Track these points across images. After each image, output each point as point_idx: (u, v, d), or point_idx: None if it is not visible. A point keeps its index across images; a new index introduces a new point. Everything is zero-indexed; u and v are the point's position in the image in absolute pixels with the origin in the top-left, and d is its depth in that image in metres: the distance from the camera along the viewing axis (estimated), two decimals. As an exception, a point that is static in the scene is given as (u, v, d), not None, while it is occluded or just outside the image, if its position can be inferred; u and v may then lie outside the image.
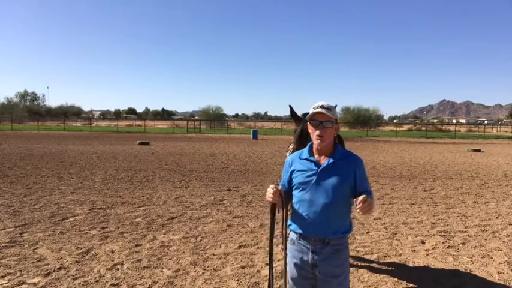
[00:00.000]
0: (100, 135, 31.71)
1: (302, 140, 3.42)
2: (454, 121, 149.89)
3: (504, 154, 19.99)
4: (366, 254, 4.72)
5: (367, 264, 4.39)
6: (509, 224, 6.17)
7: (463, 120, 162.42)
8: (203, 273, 4.03)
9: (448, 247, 5.01)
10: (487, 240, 5.35)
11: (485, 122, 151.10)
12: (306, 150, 2.32)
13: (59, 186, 8.65)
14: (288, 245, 2.32)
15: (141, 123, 58.07)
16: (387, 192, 8.72)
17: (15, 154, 15.22)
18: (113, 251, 4.59)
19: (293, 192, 2.27)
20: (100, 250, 4.61)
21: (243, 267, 4.20)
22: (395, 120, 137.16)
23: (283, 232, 2.28)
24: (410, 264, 4.43)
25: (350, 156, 2.26)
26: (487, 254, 4.75)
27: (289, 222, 2.33)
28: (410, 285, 3.87)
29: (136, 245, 4.82)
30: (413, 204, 7.57)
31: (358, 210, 1.96)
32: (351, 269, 4.05)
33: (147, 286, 3.69)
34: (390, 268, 4.30)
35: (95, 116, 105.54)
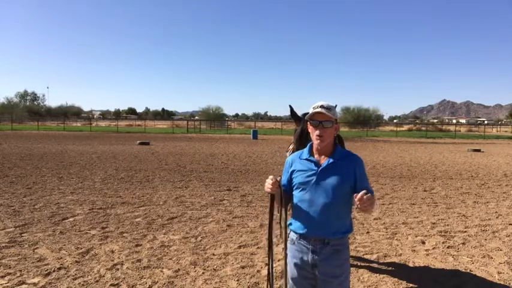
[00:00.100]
0: (100, 135, 31.71)
1: (302, 140, 3.42)
2: (454, 121, 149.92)
3: (504, 154, 19.99)
4: (366, 254, 4.72)
5: (367, 264, 4.39)
6: (509, 224, 6.17)
7: (463, 120, 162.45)
8: (203, 273, 4.03)
9: (448, 247, 5.01)
10: (487, 240, 5.35)
11: (485, 122, 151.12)
12: (306, 150, 2.31)
13: (59, 186, 8.66)
14: (288, 245, 2.32)
15: (141, 123, 58.07)
16: (387, 192, 8.72)
17: (15, 154, 15.22)
18: (113, 251, 4.59)
19: (293, 192, 2.27)
20: (100, 250, 4.61)
21: (243, 267, 4.20)
22: (395, 120, 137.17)
23: (283, 232, 2.28)
24: (410, 264, 4.43)
25: (350, 156, 2.26)
26: (487, 254, 4.76)
27: (289, 222, 2.33)
28: (410, 285, 3.87)
29: (136, 245, 4.82)
30: (413, 204, 7.57)
31: (358, 206, 1.94)
32: (351, 269, 4.05)
33: (147, 286, 3.69)
34: (390, 268, 4.30)
35: (95, 116, 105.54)
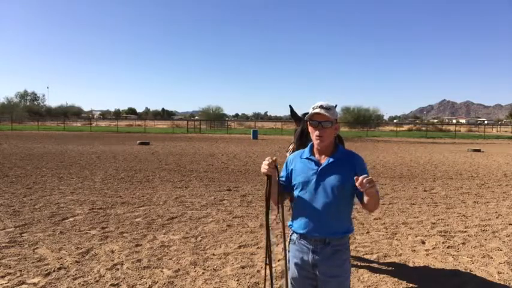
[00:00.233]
0: (100, 135, 31.71)
1: (302, 140, 3.42)
2: (454, 121, 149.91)
3: (504, 154, 19.99)
4: (366, 254, 4.72)
5: (367, 264, 4.39)
6: (509, 224, 6.17)
7: (463, 120, 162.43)
8: (203, 273, 4.03)
9: (448, 247, 5.01)
10: (487, 240, 5.35)
11: (485, 122, 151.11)
12: (307, 149, 2.31)
13: (59, 186, 8.66)
14: (289, 244, 2.32)
15: (141, 123, 58.06)
16: (387, 192, 8.72)
17: (15, 154, 15.22)
18: (113, 251, 4.59)
19: (294, 192, 2.27)
20: (100, 250, 4.61)
21: (243, 267, 4.20)
22: (395, 120, 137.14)
23: (283, 231, 2.28)
24: (410, 264, 4.43)
25: (351, 155, 2.25)
26: (487, 254, 4.75)
27: (289, 222, 2.33)
28: (410, 285, 3.87)
29: (136, 245, 4.82)
30: (413, 204, 7.57)
31: (361, 189, 1.93)
32: (351, 269, 4.05)
33: (147, 286, 3.69)
34: (390, 268, 4.30)
35: (95, 116, 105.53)
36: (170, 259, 4.39)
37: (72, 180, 9.47)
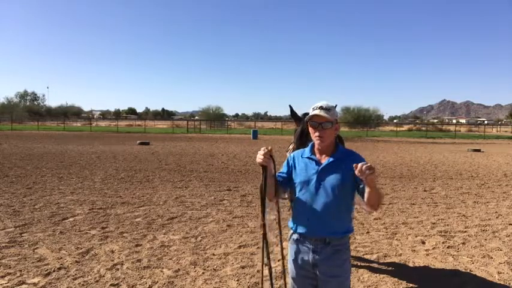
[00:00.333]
0: (100, 135, 31.71)
1: (302, 139, 3.42)
2: (454, 121, 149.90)
3: (504, 154, 19.99)
4: (366, 254, 4.72)
5: (367, 264, 4.39)
6: (509, 224, 6.17)
7: (463, 120, 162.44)
8: (203, 273, 4.03)
9: (448, 247, 5.01)
10: (487, 240, 5.35)
11: (485, 122, 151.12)
12: (307, 149, 2.31)
13: (59, 186, 8.66)
14: (289, 244, 2.32)
15: (141, 123, 58.07)
16: (387, 192, 8.73)
17: (15, 154, 15.22)
18: (113, 251, 4.59)
19: (295, 192, 2.27)
20: (100, 250, 4.61)
21: (243, 267, 4.20)
22: (395, 120, 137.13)
23: (279, 227, 2.27)
24: (410, 264, 4.43)
25: (351, 154, 2.24)
26: (487, 254, 4.75)
27: (289, 222, 2.33)
28: (410, 285, 3.87)
29: (136, 245, 4.82)
30: (413, 204, 7.57)
31: (360, 176, 1.91)
32: (351, 269, 4.05)
33: (147, 286, 3.69)
34: (390, 268, 4.30)
35: (95, 116, 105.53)
36: (170, 259, 4.39)
37: (72, 180, 9.47)
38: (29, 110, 73.42)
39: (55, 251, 4.53)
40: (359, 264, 4.40)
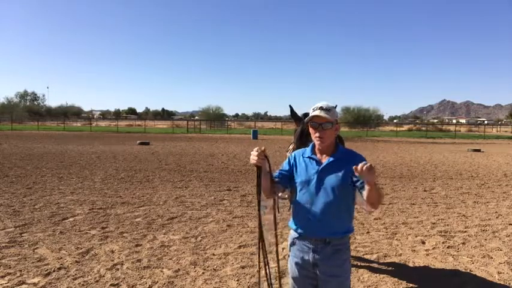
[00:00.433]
0: (100, 135, 31.71)
1: (302, 140, 3.43)
2: (454, 121, 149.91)
3: (504, 154, 19.99)
4: (366, 254, 4.72)
5: (367, 264, 4.39)
6: (509, 224, 6.17)
7: (463, 120, 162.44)
8: (203, 273, 4.03)
9: (448, 247, 5.01)
10: (487, 240, 5.35)
11: (485, 122, 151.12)
12: (308, 149, 2.32)
13: (59, 186, 8.66)
14: (289, 244, 2.33)
15: (141, 123, 58.06)
16: (387, 192, 8.72)
17: (15, 154, 15.22)
18: (113, 251, 4.59)
19: (295, 192, 2.27)
20: (100, 250, 4.61)
21: (243, 267, 4.20)
22: (395, 120, 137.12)
23: (274, 224, 2.28)
24: (410, 264, 4.43)
25: (351, 154, 2.25)
26: (487, 254, 4.75)
27: (290, 221, 2.33)
28: (410, 285, 3.87)
29: (136, 245, 4.82)
30: (413, 204, 7.57)
31: (358, 174, 1.90)
32: (351, 269, 4.06)
33: (147, 286, 3.69)
34: (390, 268, 4.30)
35: (95, 116, 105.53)
36: (170, 259, 4.39)
37: (72, 180, 9.47)
38: (29, 110, 73.41)
39: (55, 251, 4.53)
40: (359, 264, 4.40)
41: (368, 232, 5.62)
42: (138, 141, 22.92)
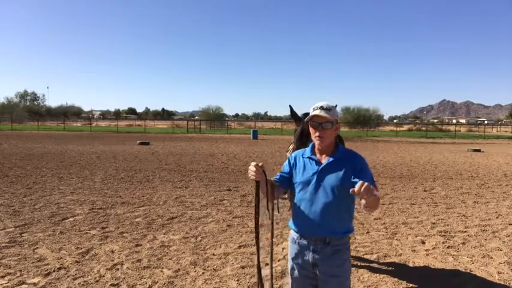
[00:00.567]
0: (100, 135, 31.71)
1: (302, 140, 3.42)
2: (454, 121, 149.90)
3: (504, 154, 19.99)
4: (366, 254, 4.72)
5: (367, 264, 4.39)
6: (509, 224, 6.17)
7: (463, 120, 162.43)
8: (203, 273, 4.03)
9: (448, 247, 5.01)
10: (487, 240, 5.35)
11: (485, 122, 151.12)
12: (308, 149, 2.32)
13: (59, 186, 8.65)
14: (289, 244, 2.32)
15: (141, 123, 58.07)
16: (387, 192, 8.72)
17: (15, 154, 15.22)
18: (113, 251, 4.59)
19: (295, 192, 2.27)
20: (100, 250, 4.61)
21: (243, 267, 4.20)
22: (395, 120, 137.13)
23: (272, 227, 2.28)
24: (410, 264, 4.43)
25: (351, 154, 2.25)
26: (487, 254, 4.75)
27: (290, 221, 2.33)
28: (410, 285, 3.87)
29: (136, 245, 4.82)
30: (413, 204, 7.57)
31: (361, 202, 1.84)
32: (351, 269, 4.06)
33: (147, 286, 3.69)
34: (390, 268, 4.30)
35: (95, 116, 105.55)
36: (170, 259, 4.39)
37: (72, 180, 9.47)
38: (29, 110, 73.41)
39: (55, 251, 4.53)
40: (359, 264, 4.40)
41: (368, 232, 5.62)
42: (138, 141, 22.92)
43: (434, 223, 6.17)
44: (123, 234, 5.23)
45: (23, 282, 3.69)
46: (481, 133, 48.34)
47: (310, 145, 2.31)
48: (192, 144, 23.50)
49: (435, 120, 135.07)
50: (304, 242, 2.21)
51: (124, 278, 3.85)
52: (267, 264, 4.05)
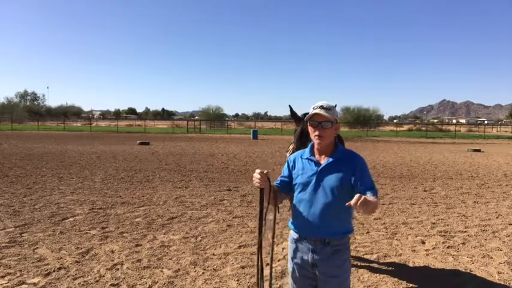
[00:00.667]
0: (100, 135, 31.71)
1: (302, 140, 3.43)
2: (454, 121, 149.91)
3: (504, 154, 19.99)
4: (366, 254, 4.72)
5: (367, 264, 4.39)
6: (509, 224, 6.17)
7: (463, 120, 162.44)
8: (203, 273, 4.03)
9: (448, 247, 5.01)
10: (487, 240, 5.35)
11: (485, 122, 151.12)
12: (307, 150, 2.31)
13: (59, 186, 8.65)
14: (289, 244, 2.32)
15: (141, 123, 58.07)
16: (387, 192, 8.72)
17: (15, 154, 15.22)
18: (113, 251, 4.59)
19: (294, 193, 2.27)
20: (100, 250, 4.61)
21: (243, 267, 4.20)
22: (395, 120, 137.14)
23: (273, 231, 2.28)
24: (410, 264, 4.43)
25: (350, 155, 2.24)
26: (487, 254, 4.75)
27: (289, 222, 2.33)
28: (410, 285, 3.87)
29: (136, 245, 4.82)
30: (413, 204, 7.57)
31: (360, 211, 1.89)
32: (351, 269, 4.06)
33: (147, 286, 3.69)
34: (390, 268, 4.30)
35: (95, 116, 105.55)
36: (170, 259, 4.39)
37: (72, 180, 9.47)
38: (29, 110, 73.43)
39: (55, 251, 4.53)
40: (359, 264, 4.40)
41: (368, 232, 5.62)
42: (138, 141, 22.92)
43: (434, 223, 6.17)
44: (123, 234, 5.23)
45: (23, 282, 3.69)
46: (481, 133, 48.34)
47: (309, 146, 2.30)
48: (192, 144, 23.50)
49: (435, 120, 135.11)
50: (304, 242, 2.21)
51: (124, 278, 3.85)
52: (267, 264, 4.04)
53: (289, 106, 3.81)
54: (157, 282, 3.78)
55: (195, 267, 4.17)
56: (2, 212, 6.24)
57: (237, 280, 3.87)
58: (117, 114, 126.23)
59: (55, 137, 28.28)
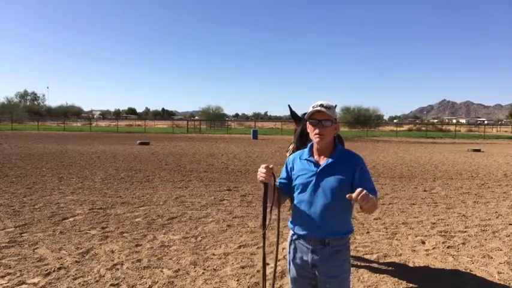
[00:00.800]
0: (100, 135, 31.71)
1: (302, 139, 3.42)
2: (454, 121, 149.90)
3: (504, 154, 19.99)
4: (366, 254, 4.72)
5: (367, 264, 4.39)
6: (509, 224, 6.17)
7: (463, 120, 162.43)
8: (203, 273, 4.03)
9: (448, 247, 5.01)
10: (487, 240, 5.35)
11: (485, 122, 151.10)
12: (306, 150, 2.30)
13: (59, 186, 8.65)
14: (289, 244, 2.32)
15: (141, 123, 58.07)
16: (387, 192, 8.72)
17: (15, 154, 15.22)
18: (113, 251, 4.59)
19: (294, 194, 2.27)
20: (100, 250, 4.61)
21: (243, 267, 4.20)
22: (395, 120, 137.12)
23: (277, 230, 2.28)
24: (410, 264, 4.43)
25: (350, 155, 2.24)
26: (487, 254, 4.75)
27: (289, 222, 2.33)
28: (410, 285, 3.87)
29: (136, 245, 4.82)
30: (413, 204, 7.57)
31: (361, 204, 1.85)
32: (351, 269, 4.05)
33: (147, 286, 3.69)
34: (390, 268, 4.30)
35: (95, 116, 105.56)
36: (170, 259, 4.39)
37: (72, 180, 9.47)
38: (29, 110, 73.46)
39: (55, 251, 4.53)
40: (359, 264, 4.40)
41: (368, 232, 5.61)
42: (138, 141, 22.92)
43: (434, 223, 6.17)
44: (123, 234, 5.23)
45: (23, 282, 3.69)
46: (481, 133, 48.34)
47: (308, 146, 2.29)
48: (192, 144, 23.50)
49: (435, 120, 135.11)
50: (304, 242, 2.21)
51: (124, 278, 3.85)
52: (268, 264, 4.04)
53: (289, 106, 3.81)
54: (157, 282, 3.78)
55: (195, 267, 4.17)
56: (2, 212, 6.24)
57: (237, 280, 3.87)
58: (117, 114, 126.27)
59: (55, 137, 28.28)
